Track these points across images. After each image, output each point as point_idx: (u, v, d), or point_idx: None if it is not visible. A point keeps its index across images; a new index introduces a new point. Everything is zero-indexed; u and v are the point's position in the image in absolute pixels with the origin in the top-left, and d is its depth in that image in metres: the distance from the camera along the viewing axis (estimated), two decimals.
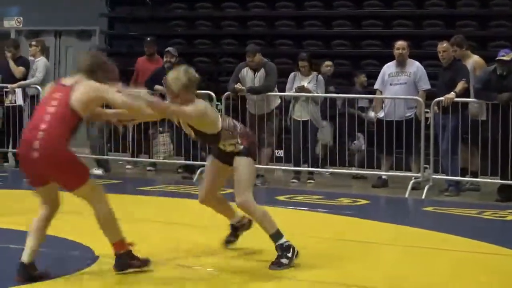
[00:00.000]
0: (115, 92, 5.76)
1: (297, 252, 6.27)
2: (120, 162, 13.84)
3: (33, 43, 14.13)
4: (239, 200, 6.32)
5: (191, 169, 12.76)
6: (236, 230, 6.99)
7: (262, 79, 12.16)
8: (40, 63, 13.63)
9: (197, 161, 12.61)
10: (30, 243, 5.68)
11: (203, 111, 6.18)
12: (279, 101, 12.41)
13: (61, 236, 7.15)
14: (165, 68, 12.68)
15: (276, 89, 12.34)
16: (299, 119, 12.31)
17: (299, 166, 12.44)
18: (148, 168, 13.60)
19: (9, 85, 13.62)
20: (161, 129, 12.87)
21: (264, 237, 6.37)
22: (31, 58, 14.05)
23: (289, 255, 6.22)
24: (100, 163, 13.16)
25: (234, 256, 6.77)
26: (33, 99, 13.51)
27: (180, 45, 15.72)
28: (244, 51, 12.56)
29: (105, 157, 13.20)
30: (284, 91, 12.49)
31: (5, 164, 13.88)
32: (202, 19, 16.91)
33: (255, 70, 12.22)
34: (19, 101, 13.58)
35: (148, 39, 13.93)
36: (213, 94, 12.48)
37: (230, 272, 6.24)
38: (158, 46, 14.09)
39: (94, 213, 5.82)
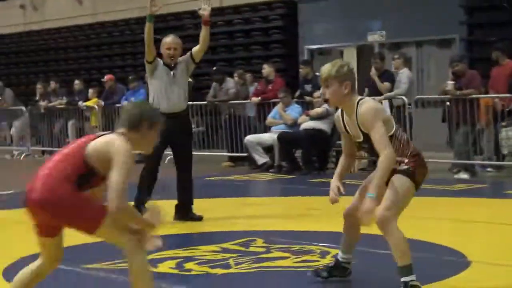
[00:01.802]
0: (124, 163, 4.42)
1: None
2: (489, 169, 13.70)
3: (396, 56, 14.47)
4: (380, 214, 5.26)
5: None
6: (336, 268, 5.87)
7: None
8: (403, 75, 13.93)
9: None
10: None
11: (380, 110, 5.38)
12: None
13: (434, 241, 7.28)
14: None
15: None
16: None
17: None
18: None
19: (376, 97, 14.05)
20: (504, 123, 12.73)
21: None
22: (394, 70, 14.42)
23: None
24: (466, 168, 13.17)
25: None
26: (398, 110, 13.84)
27: None
28: None
29: (470, 161, 13.21)
30: None
31: None
32: None
33: None
34: (387, 112, 13.96)
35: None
36: None
37: None
38: None
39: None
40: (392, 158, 5.26)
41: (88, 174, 4.49)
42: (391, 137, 5.37)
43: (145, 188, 8.73)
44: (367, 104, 5.37)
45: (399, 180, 5.37)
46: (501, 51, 13.52)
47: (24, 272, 4.77)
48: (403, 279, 5.32)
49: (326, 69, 5.45)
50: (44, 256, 4.72)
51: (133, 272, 4.54)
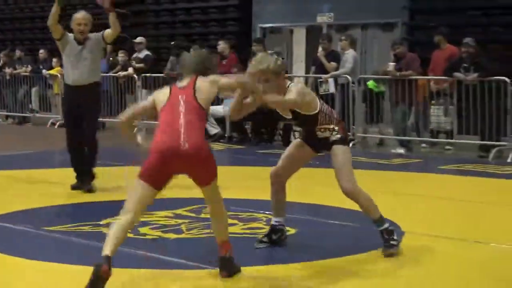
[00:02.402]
0: (222, 78, 5.26)
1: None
2: (424, 145, 13.87)
3: (343, 37, 14.52)
4: (346, 186, 5.72)
5: (486, 148, 12.57)
6: (274, 233, 6.10)
7: None
8: (349, 55, 13.99)
9: (493, 140, 12.46)
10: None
11: (302, 92, 5.68)
12: None
13: None
14: (463, 57, 12.68)
15: None
16: None
17: None
18: (447, 147, 13.57)
19: (322, 76, 14.12)
20: (433, 101, 13.03)
21: None
22: (340, 50, 14.47)
23: (395, 237, 5.82)
24: (403, 143, 13.33)
25: None
26: (343, 88, 13.93)
27: (476, 34, 15.36)
28: None
29: (407, 138, 13.37)
30: None
31: None
32: (499, 8, 16.37)
33: None
34: (332, 89, 14.04)
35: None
36: (507, 79, 12.27)
37: None
38: (456, 35, 13.97)
39: (213, 210, 5.26)
40: (285, 103, 5.63)
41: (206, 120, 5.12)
42: (318, 113, 5.74)
43: (79, 160, 8.74)
44: (294, 89, 5.66)
45: (342, 150, 5.76)
46: (443, 35, 13.66)
47: (118, 230, 4.86)
48: (382, 228, 5.81)
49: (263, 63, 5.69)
50: (137, 210, 4.94)
51: (222, 217, 5.21)
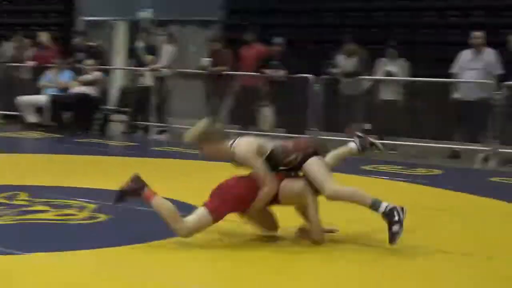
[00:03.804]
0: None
1: (402, 208, 5.42)
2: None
3: (162, 32, 14.66)
4: (326, 194, 5.56)
5: None
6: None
7: None
8: (167, 50, 14.12)
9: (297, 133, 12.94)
10: None
11: (250, 150, 5.55)
12: None
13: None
14: (272, 55, 13.11)
15: None
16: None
17: (383, 139, 12.52)
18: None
19: (140, 69, 14.12)
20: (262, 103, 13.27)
21: None
22: (159, 45, 14.50)
23: (396, 218, 5.34)
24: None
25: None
26: (160, 81, 14.01)
27: (286, 34, 15.77)
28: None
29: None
30: None
31: None
32: (307, 11, 16.94)
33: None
34: (148, 82, 14.09)
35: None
36: (309, 76, 12.75)
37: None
38: (267, 34, 14.36)
39: None
40: (269, 194, 5.53)
41: None
42: (270, 155, 5.57)
43: None
44: (238, 148, 5.54)
45: (308, 165, 5.58)
46: (254, 34, 13.98)
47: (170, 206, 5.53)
48: (379, 211, 5.43)
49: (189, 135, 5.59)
50: (193, 232, 5.47)
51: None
